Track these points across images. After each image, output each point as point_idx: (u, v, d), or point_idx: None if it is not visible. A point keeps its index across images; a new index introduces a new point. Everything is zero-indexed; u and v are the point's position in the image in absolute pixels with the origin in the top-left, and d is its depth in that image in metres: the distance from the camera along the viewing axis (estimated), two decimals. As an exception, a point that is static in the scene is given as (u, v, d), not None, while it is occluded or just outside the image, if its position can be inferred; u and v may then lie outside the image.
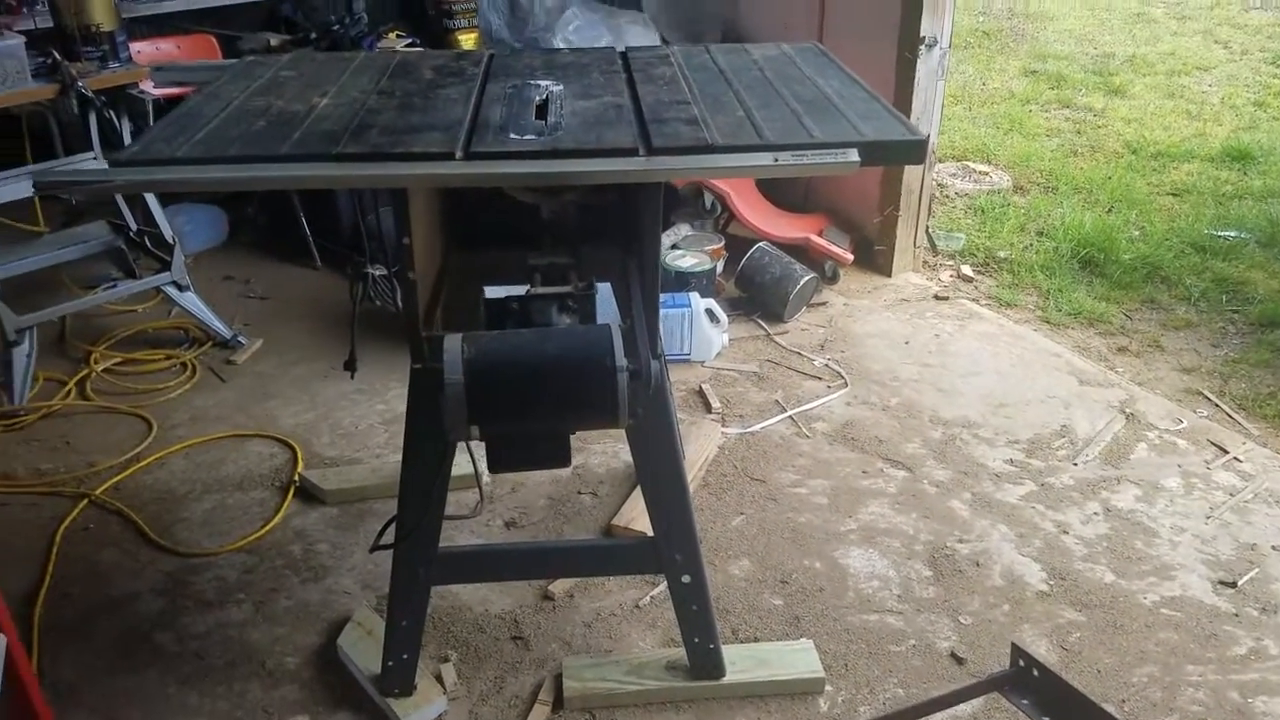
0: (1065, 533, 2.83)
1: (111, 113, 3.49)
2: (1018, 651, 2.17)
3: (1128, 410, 3.35)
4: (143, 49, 4.31)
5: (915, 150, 1.80)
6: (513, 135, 1.78)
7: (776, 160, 1.72)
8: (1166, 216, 4.81)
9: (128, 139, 3.48)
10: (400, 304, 2.47)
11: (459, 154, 1.69)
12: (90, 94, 3.30)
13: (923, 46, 3.67)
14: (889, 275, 4.19)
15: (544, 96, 2.00)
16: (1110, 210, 4.80)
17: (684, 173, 1.84)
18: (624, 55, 2.37)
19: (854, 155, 1.73)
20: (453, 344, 1.66)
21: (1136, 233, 4.59)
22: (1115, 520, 2.87)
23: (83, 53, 3.42)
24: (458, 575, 2.26)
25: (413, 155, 1.69)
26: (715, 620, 2.24)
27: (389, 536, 2.07)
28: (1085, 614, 2.55)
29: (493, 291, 2.00)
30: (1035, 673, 2.12)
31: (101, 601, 2.62)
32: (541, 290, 1.85)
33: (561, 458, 1.74)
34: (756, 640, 2.47)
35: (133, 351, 3.78)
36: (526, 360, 1.65)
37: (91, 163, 3.63)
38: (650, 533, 2.66)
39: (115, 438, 3.30)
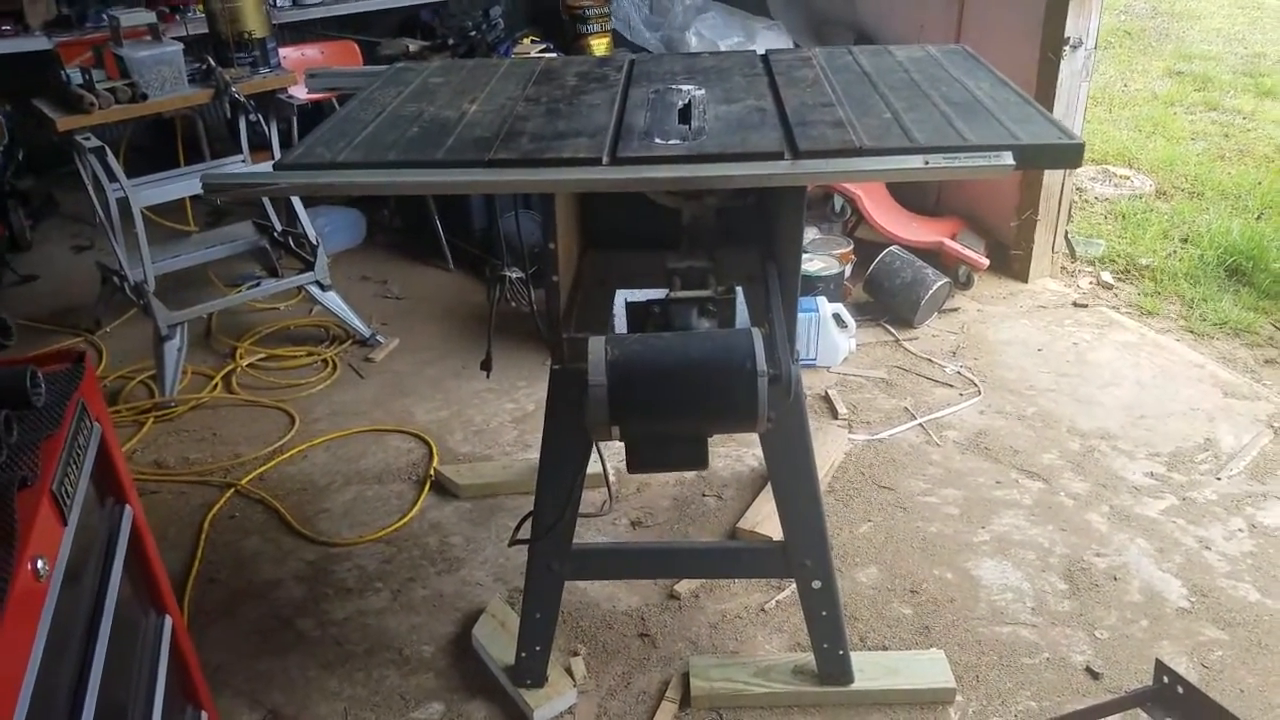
0: (1207, 548, 2.71)
1: (260, 116, 3.65)
2: (1161, 668, 2.09)
3: (1275, 424, 3.19)
4: (289, 54, 4.50)
5: (1071, 154, 1.74)
6: (657, 140, 1.80)
7: (927, 163, 1.69)
8: (1323, 223, 4.55)
9: (275, 142, 3.64)
10: (535, 306, 2.52)
11: (605, 159, 1.72)
12: (242, 98, 3.46)
13: (1067, 47, 3.56)
14: (1025, 281, 4.07)
15: (686, 101, 2.02)
16: (1260, 217, 4.56)
17: (831, 176, 1.83)
18: (764, 58, 2.36)
19: (1008, 158, 1.69)
20: (597, 346, 1.68)
21: (1289, 240, 4.35)
22: (1261, 537, 2.74)
23: (235, 59, 3.59)
24: (590, 572, 2.30)
25: (562, 161, 1.73)
26: (845, 626, 2.22)
27: (525, 532, 2.12)
28: (1228, 632, 2.44)
29: (628, 295, 2.02)
30: (1179, 690, 2.04)
31: (246, 587, 2.74)
32: (682, 294, 1.86)
33: (699, 460, 1.75)
34: (885, 648, 2.44)
35: (276, 348, 3.95)
36: (668, 363, 1.66)
37: (240, 165, 3.82)
38: (777, 537, 2.66)
39: (259, 430, 3.45)
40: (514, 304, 2.96)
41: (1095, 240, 4.29)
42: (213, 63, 3.48)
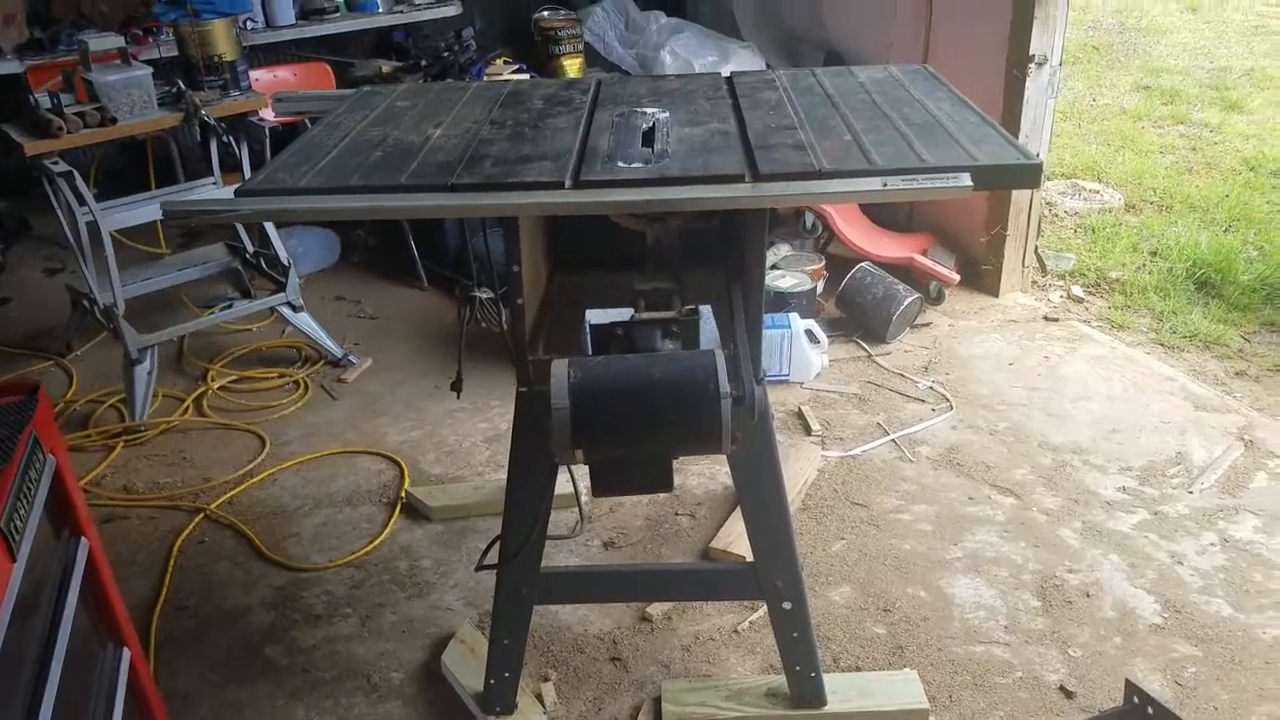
0: (1180, 564, 2.72)
1: (231, 139, 3.64)
2: (1132, 688, 2.09)
3: (1246, 437, 3.21)
4: (261, 77, 4.49)
5: (1030, 175, 1.76)
6: (620, 164, 1.80)
7: (885, 185, 1.70)
8: (1290, 236, 4.59)
9: (246, 164, 3.63)
10: (505, 327, 2.52)
11: (568, 183, 1.72)
12: (212, 121, 3.45)
13: (1032, 65, 3.60)
14: (996, 295, 4.10)
15: (651, 124, 2.02)
16: (1228, 230, 4.61)
17: (791, 199, 1.83)
18: (729, 80, 2.37)
19: (966, 180, 1.70)
20: (559, 369, 1.68)
21: (1255, 253, 4.39)
22: (1233, 551, 2.75)
23: (205, 81, 3.58)
24: (560, 596, 2.29)
25: (524, 185, 1.73)
26: (817, 648, 2.22)
27: (493, 556, 2.11)
28: (1201, 648, 2.45)
29: (596, 316, 2.02)
30: (1149, 710, 2.05)
31: (215, 614, 2.71)
32: (646, 315, 1.86)
33: (664, 482, 1.75)
34: (858, 669, 2.43)
35: (247, 370, 3.93)
36: (631, 386, 1.66)
37: (212, 188, 3.81)
38: (750, 557, 2.66)
39: (230, 453, 3.42)
40: (484, 324, 2.95)
41: (1065, 254, 4.33)
42: (182, 86, 3.47)
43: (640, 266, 2.10)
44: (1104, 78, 7.35)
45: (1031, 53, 3.58)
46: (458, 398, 3.03)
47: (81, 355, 4.09)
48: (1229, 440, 3.21)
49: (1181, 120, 6.32)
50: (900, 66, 2.42)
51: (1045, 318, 3.98)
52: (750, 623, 2.55)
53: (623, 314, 1.99)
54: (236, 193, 1.79)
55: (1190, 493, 2.99)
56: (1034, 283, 4.18)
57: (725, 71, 4.59)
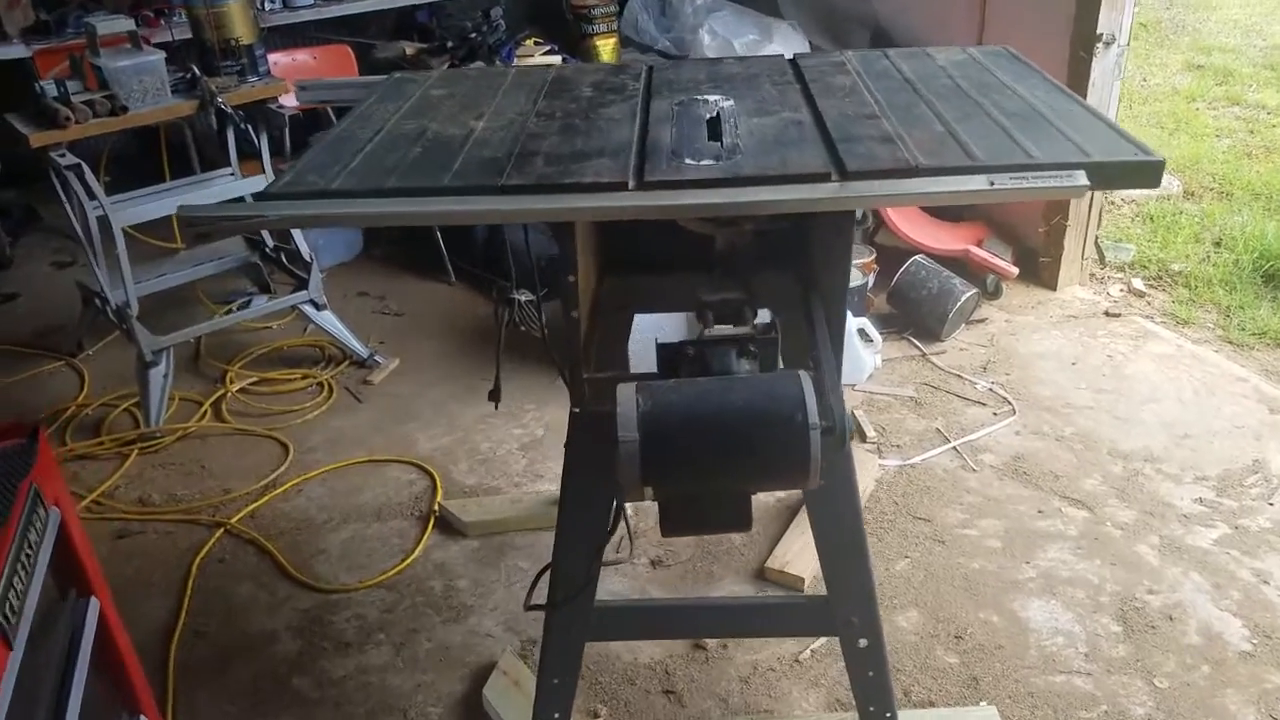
0: (1266, 583, 2.53)
1: (249, 127, 3.45)
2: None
3: (1327, 444, 3.01)
4: (279, 60, 4.30)
5: (1150, 173, 1.55)
6: (688, 160, 1.61)
7: (993, 184, 1.51)
8: (1358, 225, 4.35)
9: (266, 154, 3.44)
10: (546, 331, 2.33)
11: (632, 183, 1.54)
12: (229, 110, 3.26)
13: (1099, 44, 3.37)
14: (1054, 289, 3.88)
15: (715, 113, 1.83)
16: (1294, 219, 4.37)
17: (884, 200, 1.65)
18: (794, 63, 2.17)
19: (1082, 178, 1.50)
20: (626, 395, 1.49)
21: (1326, 243, 4.16)
22: (1322, 570, 2.56)
23: (221, 67, 3.39)
24: (616, 632, 2.10)
25: (583, 186, 1.54)
26: (893, 686, 2.03)
27: (542, 589, 1.92)
28: (1297, 678, 2.26)
29: (662, 333, 1.83)
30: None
31: (238, 640, 2.55)
32: (718, 332, 1.67)
33: (742, 521, 1.56)
34: (932, 704, 2.25)
35: (268, 371, 3.75)
36: (708, 415, 1.47)
37: (229, 180, 3.62)
38: (809, 576, 2.48)
39: (251, 461, 3.25)
40: (524, 328, 2.76)
41: (1125, 245, 4.10)
42: (197, 72, 3.28)
43: (697, 266, 1.90)
44: (1153, 56, 7.06)
45: (1099, 31, 3.35)
46: (496, 408, 2.86)
47: (93, 355, 3.93)
48: (1310, 447, 3.01)
49: (1237, 101, 6.04)
50: (980, 49, 2.22)
51: (1106, 313, 3.76)
52: (812, 651, 2.38)
53: (675, 321, 1.78)
54: (260, 196, 1.61)
55: (1271, 504, 2.79)
56: (1092, 275, 3.97)
57: (768, 50, 4.40)
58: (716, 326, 1.72)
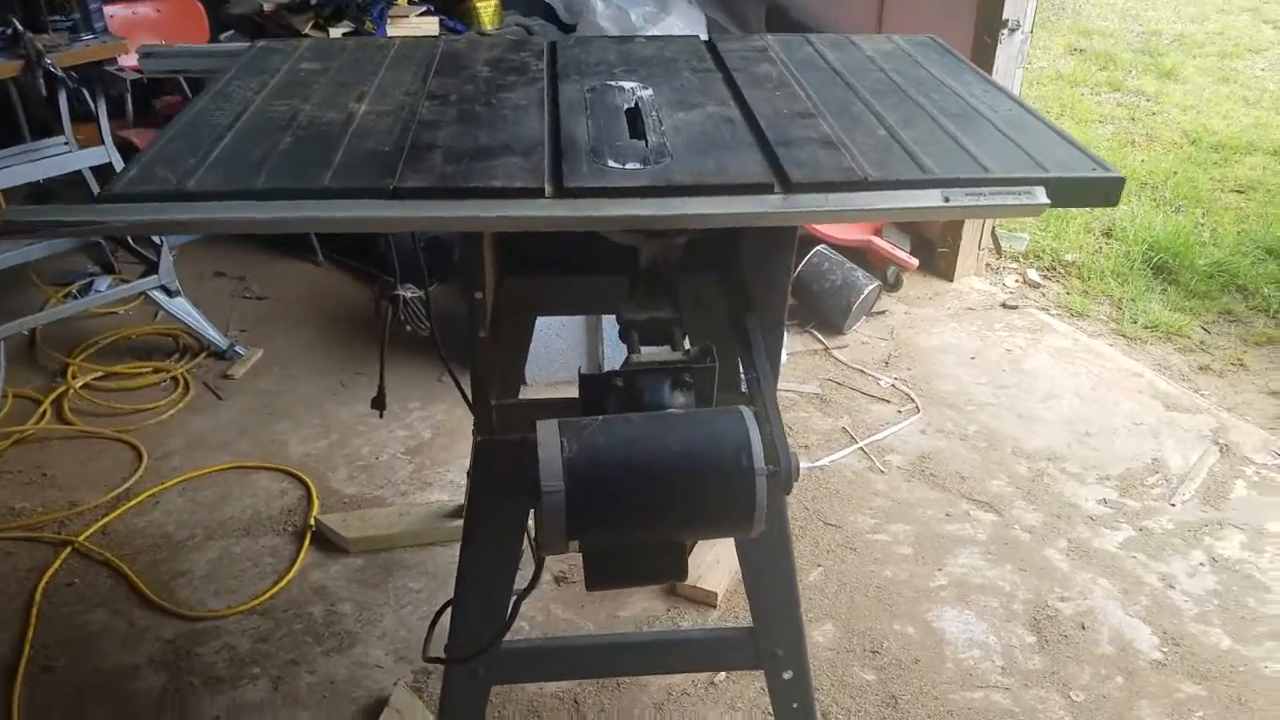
0: (1172, 587, 2.54)
1: (85, 90, 3.07)
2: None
3: (1220, 441, 3.05)
4: (118, 14, 3.88)
5: (1109, 190, 1.44)
6: (610, 163, 1.42)
7: (948, 201, 1.37)
8: (1235, 216, 4.48)
9: (104, 124, 3.07)
10: (436, 332, 2.11)
11: (549, 189, 1.34)
12: (60, 72, 2.88)
13: (1004, 30, 3.31)
14: (951, 280, 3.85)
15: (633, 104, 1.64)
16: (1178, 210, 4.46)
17: (831, 216, 1.48)
18: (711, 46, 1.99)
19: (1041, 195, 1.39)
20: (549, 436, 1.30)
21: (1207, 235, 4.26)
22: (1223, 572, 2.58)
23: (50, 22, 2.99)
24: (524, 675, 1.92)
25: (492, 191, 1.34)
26: (818, 716, 1.92)
27: (442, 628, 1.72)
28: (1205, 687, 2.27)
29: (586, 363, 1.65)
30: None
31: (92, 676, 2.28)
32: (649, 360, 1.49)
33: (675, 570, 1.40)
34: (852, 726, 2.16)
35: (115, 363, 3.39)
36: (643, 461, 1.30)
37: (63, 150, 3.22)
38: (723, 590, 2.35)
39: (100, 468, 2.93)
40: (409, 328, 2.51)
41: (1019, 234, 4.11)
42: (20, 27, 2.87)
43: (616, 270, 1.72)
44: (1036, 38, 7.15)
45: (1005, 16, 3.29)
46: (380, 417, 2.62)
47: (-87, 345, 3.48)
48: (1204, 444, 3.04)
49: (1118, 87, 6.17)
50: (906, 38, 2.09)
51: (1004, 305, 3.75)
52: (727, 673, 2.25)
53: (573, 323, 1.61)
54: (101, 198, 1.35)
55: (1172, 505, 2.81)
56: (988, 266, 3.96)
57: (666, 23, 4.20)
58: (643, 349, 1.55)
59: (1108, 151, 5.13)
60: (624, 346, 1.56)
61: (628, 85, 1.74)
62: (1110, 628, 2.41)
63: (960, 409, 3.18)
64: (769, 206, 1.36)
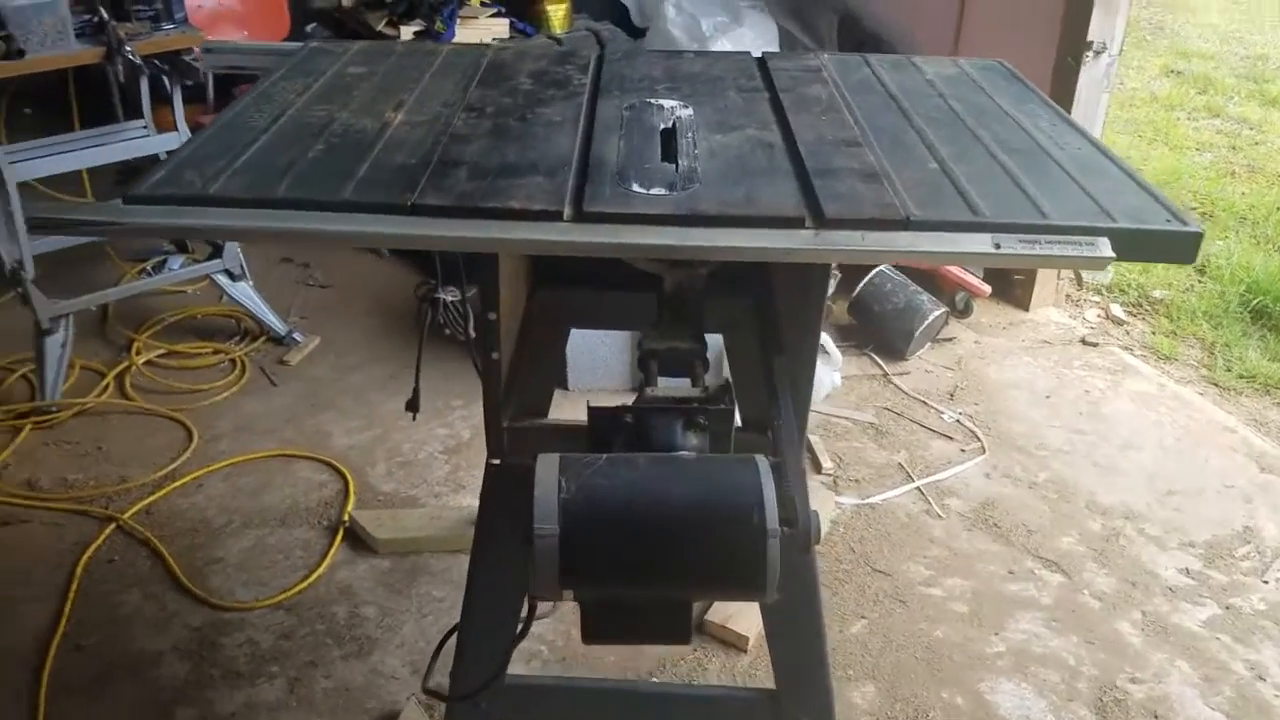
0: (1261, 678, 2.32)
1: (166, 79, 3.12)
2: None
3: (1323, 511, 2.82)
4: (205, 4, 3.92)
5: (1184, 247, 1.31)
6: (635, 187, 1.36)
7: (999, 247, 1.27)
8: (1347, 259, 4.19)
9: (179, 113, 3.11)
10: (473, 338, 2.07)
11: (568, 211, 1.29)
12: (139, 60, 2.92)
13: (1089, 53, 3.12)
14: (1027, 310, 3.67)
15: (670, 124, 1.57)
16: (1281, 249, 4.19)
17: (867, 256, 1.40)
18: (763, 64, 1.91)
19: (1105, 248, 1.27)
20: (547, 474, 1.23)
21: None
22: (1322, 666, 2.35)
23: (133, 11, 3.03)
24: (530, 714, 1.84)
25: (509, 212, 1.28)
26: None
27: (448, 652, 1.68)
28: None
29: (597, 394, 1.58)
30: None
31: (120, 658, 2.29)
32: (661, 396, 1.41)
33: (679, 633, 1.32)
34: (882, 800, 2.04)
35: (178, 342, 3.45)
36: (645, 508, 1.22)
37: (142, 134, 3.29)
38: (755, 632, 2.25)
39: (153, 445, 2.97)
40: (448, 332, 2.48)
41: (1104, 265, 3.89)
42: (105, 15, 2.92)
43: (652, 287, 1.64)
44: (1131, 58, 6.85)
45: (1090, 38, 3.10)
46: (413, 419, 2.60)
47: (-4, 309, 3.59)
48: (1303, 513, 2.81)
49: (1218, 113, 5.85)
50: (973, 62, 1.98)
51: (1083, 341, 3.55)
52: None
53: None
54: (126, 200, 1.34)
55: (1265, 581, 2.58)
56: (1068, 297, 3.76)
57: (737, 35, 4.09)
58: (661, 382, 1.47)
59: (1204, 182, 4.85)
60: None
61: (668, 104, 1.67)
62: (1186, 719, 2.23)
63: (1030, 453, 3.01)
64: (798, 242, 1.27)
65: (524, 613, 1.34)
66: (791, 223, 1.29)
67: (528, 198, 1.31)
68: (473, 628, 1.60)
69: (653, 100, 1.68)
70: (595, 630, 1.30)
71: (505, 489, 1.56)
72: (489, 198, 1.31)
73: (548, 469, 1.25)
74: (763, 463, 1.26)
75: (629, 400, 1.43)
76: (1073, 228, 1.30)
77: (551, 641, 2.34)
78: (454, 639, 1.68)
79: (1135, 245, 1.29)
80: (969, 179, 1.41)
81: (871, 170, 1.42)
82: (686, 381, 1.50)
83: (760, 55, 1.98)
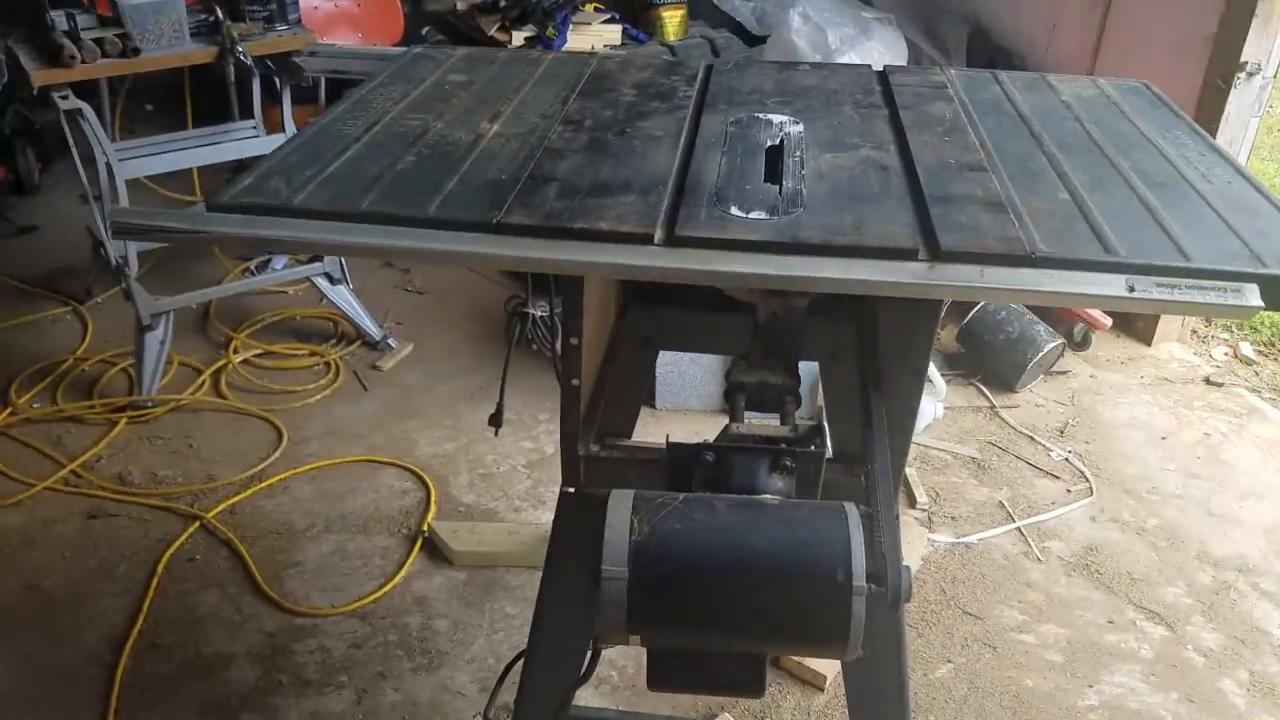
0: (1374, 746, 2.14)
1: (278, 79, 3.15)
2: None
3: None
4: (321, 6, 3.97)
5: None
6: (733, 210, 1.27)
7: (1133, 291, 1.15)
8: None
9: (287, 113, 3.14)
10: (554, 349, 2.01)
11: (659, 235, 1.21)
12: (249, 61, 2.95)
13: (1241, 74, 2.92)
14: (1149, 344, 3.45)
15: (777, 141, 1.47)
16: None
17: (985, 294, 1.29)
18: (884, 78, 1.80)
19: (1254, 296, 1.14)
20: (619, 512, 1.16)
21: None
22: None
23: (248, 11, 3.06)
24: (596, 748, 1.79)
25: (597, 234, 1.21)
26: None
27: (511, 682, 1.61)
28: None
29: (676, 430, 1.50)
30: None
31: (193, 659, 2.30)
32: (746, 434, 1.32)
33: (752, 686, 1.23)
34: None
35: (275, 342, 3.47)
36: (721, 557, 1.14)
37: (252, 134, 3.34)
38: (828, 673, 2.15)
39: (242, 445, 2.99)
40: (535, 346, 2.44)
41: (1234, 301, 3.64)
42: (220, 15, 2.95)
43: (746, 311, 1.55)
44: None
45: (1244, 59, 2.89)
46: (495, 434, 2.55)
47: (101, 303, 3.68)
48: None
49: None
50: (1114, 83, 1.84)
51: (1207, 380, 3.33)
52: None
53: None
54: (210, 206, 1.32)
55: (1389, 646, 2.39)
56: (1194, 333, 3.53)
57: (864, 49, 3.95)
58: (750, 418, 1.38)
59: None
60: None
61: (776, 119, 1.58)
62: (1291, 790, 2.06)
63: (1141, 497, 2.82)
64: (908, 276, 1.17)
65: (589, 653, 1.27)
66: (903, 254, 1.19)
67: (618, 219, 1.24)
68: (538, 660, 1.53)
69: (760, 115, 1.59)
70: (661, 677, 1.22)
71: (578, 519, 1.49)
72: (577, 218, 1.24)
73: (620, 507, 1.17)
74: (852, 512, 1.16)
75: (716, 425, 1.35)
76: (1217, 272, 1.17)
77: (623, 668, 2.26)
78: (519, 665, 1.62)
79: (1288, 294, 1.16)
80: (1103, 212, 1.29)
81: (995, 199, 1.31)
82: (775, 418, 1.41)
83: (882, 68, 1.88)
